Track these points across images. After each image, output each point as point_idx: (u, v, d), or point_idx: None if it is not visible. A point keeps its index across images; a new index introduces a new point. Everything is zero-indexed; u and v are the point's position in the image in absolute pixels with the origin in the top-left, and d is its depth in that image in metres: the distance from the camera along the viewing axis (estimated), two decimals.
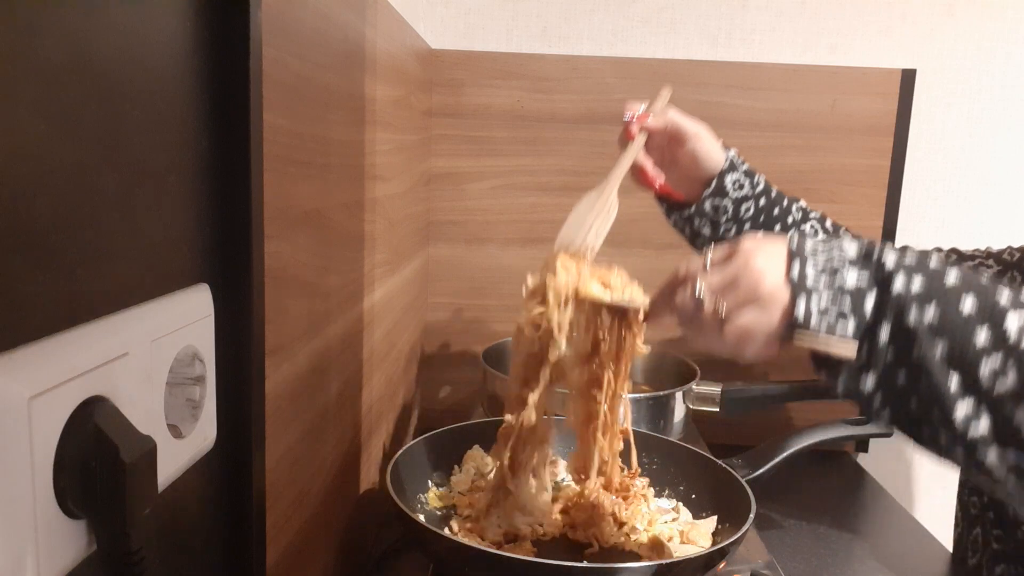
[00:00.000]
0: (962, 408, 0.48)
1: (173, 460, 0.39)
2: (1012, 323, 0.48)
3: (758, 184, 0.86)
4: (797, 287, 0.52)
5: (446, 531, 0.77)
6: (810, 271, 0.52)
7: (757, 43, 1.33)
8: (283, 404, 0.56)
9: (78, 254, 0.31)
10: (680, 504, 0.88)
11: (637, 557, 0.77)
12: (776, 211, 0.87)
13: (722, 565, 0.75)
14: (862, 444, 1.37)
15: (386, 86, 0.89)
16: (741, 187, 0.85)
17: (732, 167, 0.84)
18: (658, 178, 0.83)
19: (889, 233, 1.34)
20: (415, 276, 1.20)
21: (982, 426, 0.48)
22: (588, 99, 1.30)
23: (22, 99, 0.28)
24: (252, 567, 0.48)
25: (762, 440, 1.02)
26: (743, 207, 0.85)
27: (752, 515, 0.73)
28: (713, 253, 0.58)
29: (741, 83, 1.29)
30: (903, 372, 0.50)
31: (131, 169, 0.35)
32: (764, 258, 0.54)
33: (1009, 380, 0.47)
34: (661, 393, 1.08)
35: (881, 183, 1.32)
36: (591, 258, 0.77)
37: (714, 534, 0.80)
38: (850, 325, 0.51)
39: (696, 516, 0.85)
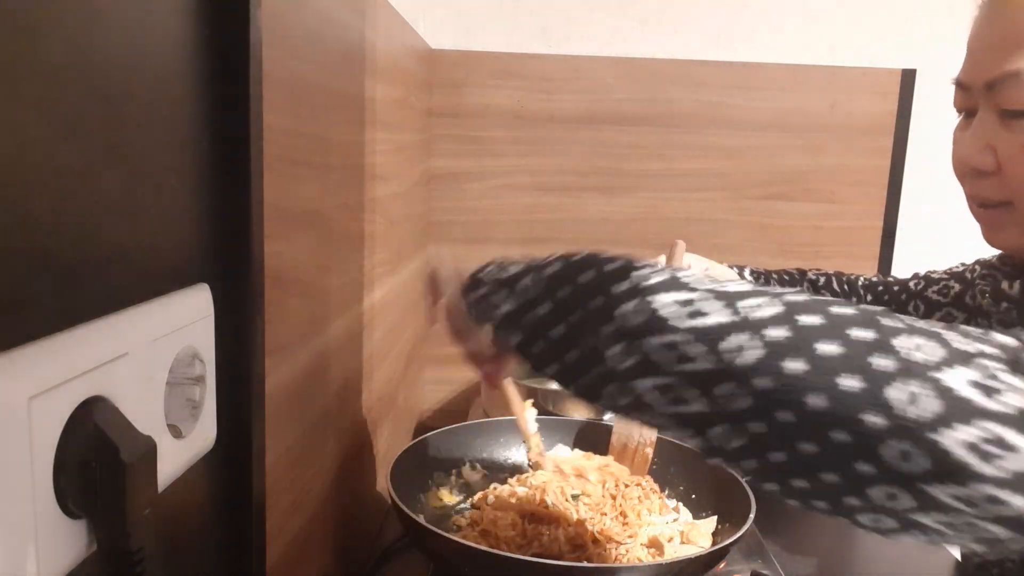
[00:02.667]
0: (614, 349, 0.51)
1: (173, 460, 0.39)
2: (642, 272, 0.51)
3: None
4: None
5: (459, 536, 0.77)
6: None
7: (757, 43, 1.33)
8: (283, 404, 0.56)
9: (78, 254, 0.31)
10: (680, 504, 0.88)
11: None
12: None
13: (722, 565, 0.75)
14: None
15: (386, 86, 0.89)
16: None
17: None
18: None
19: (889, 233, 1.34)
20: (415, 276, 1.20)
21: (630, 360, 0.50)
22: (588, 99, 1.30)
23: (22, 99, 0.28)
24: (252, 567, 0.48)
25: None
26: None
27: (752, 515, 0.73)
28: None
29: (741, 83, 1.29)
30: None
31: (131, 169, 0.35)
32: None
33: (640, 318, 0.49)
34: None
35: (881, 183, 1.32)
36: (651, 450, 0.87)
37: (714, 534, 0.80)
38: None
39: (696, 516, 0.85)
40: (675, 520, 0.84)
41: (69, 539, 0.31)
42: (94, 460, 0.31)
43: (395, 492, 0.74)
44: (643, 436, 0.88)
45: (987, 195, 0.65)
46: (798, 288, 0.92)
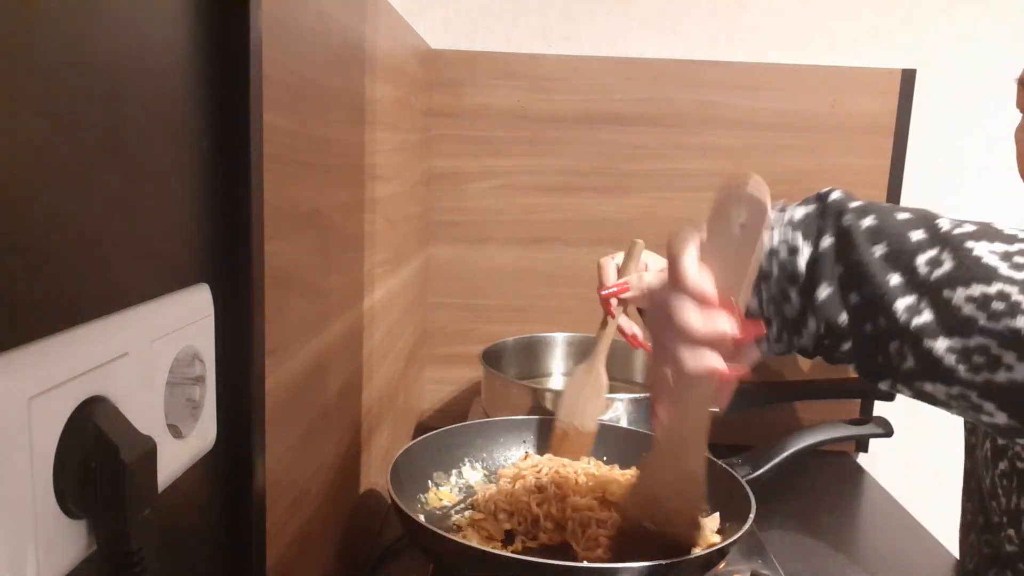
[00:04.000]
0: (903, 302, 0.49)
1: (173, 460, 0.39)
2: (944, 223, 0.52)
3: None
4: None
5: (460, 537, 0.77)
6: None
7: (757, 43, 1.33)
8: (283, 404, 0.56)
9: (78, 254, 0.31)
10: None
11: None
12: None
13: (722, 565, 0.75)
14: (862, 444, 1.37)
15: (386, 86, 0.89)
16: None
17: None
18: (637, 335, 0.87)
19: None
20: (415, 276, 1.20)
21: (924, 316, 0.48)
22: (588, 99, 1.30)
23: (22, 99, 0.28)
24: (252, 567, 0.48)
25: (762, 440, 1.02)
26: None
27: (752, 515, 0.73)
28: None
29: (741, 83, 1.29)
30: (846, 275, 0.52)
31: (131, 169, 0.35)
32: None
33: (944, 267, 0.48)
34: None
35: (881, 183, 1.32)
36: (590, 442, 0.85)
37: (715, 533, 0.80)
38: (802, 247, 0.55)
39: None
40: None
41: (69, 539, 0.31)
42: (94, 460, 0.31)
43: (395, 492, 0.74)
44: (583, 426, 0.88)
45: None
46: None
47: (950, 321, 0.47)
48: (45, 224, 0.29)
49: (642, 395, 1.09)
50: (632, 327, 0.86)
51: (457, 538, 0.72)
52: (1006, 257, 0.47)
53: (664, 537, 0.67)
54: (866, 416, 1.34)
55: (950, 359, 0.47)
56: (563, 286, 1.35)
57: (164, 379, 0.38)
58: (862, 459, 1.36)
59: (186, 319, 0.39)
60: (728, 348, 0.52)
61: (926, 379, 0.49)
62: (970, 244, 0.47)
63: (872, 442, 1.37)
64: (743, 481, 0.79)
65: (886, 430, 1.07)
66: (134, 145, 0.35)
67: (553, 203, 1.33)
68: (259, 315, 0.47)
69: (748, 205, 0.50)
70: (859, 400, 1.36)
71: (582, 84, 1.30)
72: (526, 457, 0.90)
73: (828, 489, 1.22)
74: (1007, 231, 0.50)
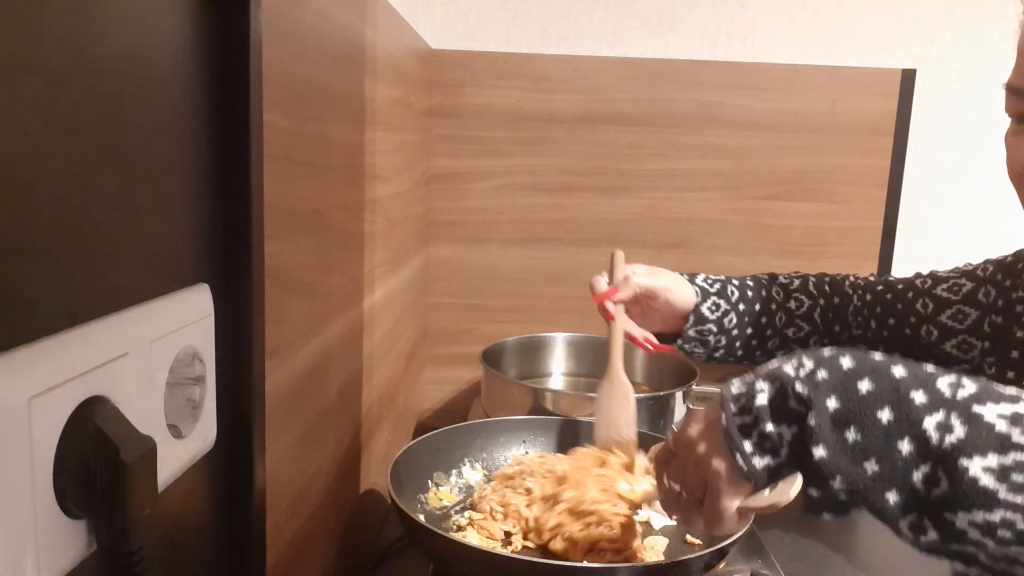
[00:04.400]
0: (905, 522, 0.48)
1: (173, 460, 0.39)
2: (930, 425, 0.47)
3: (732, 295, 0.90)
4: (732, 454, 0.53)
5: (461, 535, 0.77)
6: (735, 423, 0.53)
7: (757, 43, 1.33)
8: (283, 404, 0.56)
9: (78, 254, 0.31)
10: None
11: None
12: (757, 307, 0.90)
13: (722, 565, 0.75)
14: None
15: (386, 86, 0.89)
16: (717, 308, 0.88)
17: (704, 295, 0.87)
18: (649, 339, 0.88)
19: (889, 233, 1.34)
20: (415, 276, 1.21)
21: (930, 536, 0.47)
22: (588, 99, 1.30)
23: (22, 99, 0.28)
24: (252, 567, 0.48)
25: None
26: (725, 320, 0.89)
27: (752, 515, 0.73)
28: (658, 452, 0.62)
29: (741, 83, 1.29)
30: (843, 492, 0.50)
31: (131, 169, 0.35)
32: (701, 441, 0.56)
33: (942, 487, 0.46)
34: (661, 393, 1.08)
35: (881, 183, 1.32)
36: (634, 448, 0.84)
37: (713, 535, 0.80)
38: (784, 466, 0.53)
39: None
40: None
41: (69, 539, 0.31)
42: (94, 460, 0.31)
43: (395, 492, 0.74)
44: (622, 436, 0.88)
45: None
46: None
47: (953, 543, 0.47)
48: (45, 224, 0.29)
49: (642, 395, 1.09)
50: (643, 333, 0.87)
51: (457, 538, 0.73)
52: (1002, 477, 0.44)
53: None
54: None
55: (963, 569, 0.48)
56: (563, 286, 1.35)
57: (164, 379, 0.38)
58: None
59: (186, 319, 0.39)
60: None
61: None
62: (963, 463, 0.45)
63: None
64: None
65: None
66: (134, 145, 0.35)
67: (553, 203, 1.33)
68: (259, 315, 0.47)
69: (780, 501, 0.57)
70: None
71: (582, 84, 1.30)
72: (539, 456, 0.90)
73: None
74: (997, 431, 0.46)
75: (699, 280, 0.89)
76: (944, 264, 0.97)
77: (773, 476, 0.53)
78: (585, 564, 0.71)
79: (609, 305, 0.85)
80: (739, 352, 0.91)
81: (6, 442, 0.27)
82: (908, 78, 1.28)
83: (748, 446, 0.52)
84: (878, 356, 0.51)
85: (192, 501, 0.43)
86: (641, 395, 1.08)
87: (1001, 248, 0.93)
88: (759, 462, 0.52)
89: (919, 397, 0.47)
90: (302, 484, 0.62)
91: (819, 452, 0.48)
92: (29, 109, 0.28)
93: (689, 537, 0.80)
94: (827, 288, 0.92)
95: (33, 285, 0.29)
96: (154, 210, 0.37)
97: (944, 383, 0.48)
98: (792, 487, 0.53)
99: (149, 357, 0.36)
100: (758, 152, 1.32)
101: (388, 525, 0.96)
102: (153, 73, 0.36)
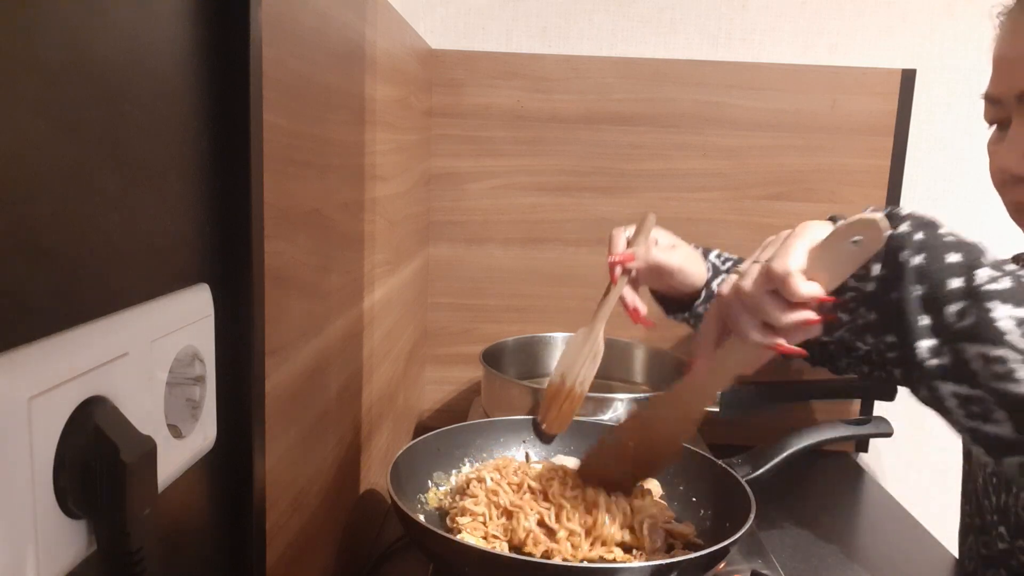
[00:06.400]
0: (925, 343, 0.56)
1: (173, 460, 0.39)
2: (982, 275, 0.55)
3: None
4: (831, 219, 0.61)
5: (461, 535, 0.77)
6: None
7: (757, 43, 1.33)
8: (283, 404, 0.56)
9: (78, 254, 0.31)
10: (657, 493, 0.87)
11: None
12: None
13: (722, 565, 0.75)
14: (862, 444, 1.37)
15: (386, 86, 0.89)
16: None
17: (716, 273, 0.87)
18: (637, 309, 0.87)
19: None
20: (415, 276, 1.21)
21: (939, 360, 0.55)
22: (588, 99, 1.30)
23: (22, 99, 0.28)
24: (252, 567, 0.48)
25: (762, 440, 1.02)
26: None
27: (752, 515, 0.73)
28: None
29: (741, 83, 1.29)
30: (884, 311, 0.58)
31: (131, 169, 0.35)
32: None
33: (966, 321, 0.53)
34: (661, 393, 1.08)
35: (881, 183, 1.32)
36: (579, 404, 0.86)
37: (715, 534, 0.80)
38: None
39: (696, 516, 0.85)
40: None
41: (69, 539, 0.31)
42: (94, 460, 0.31)
43: (395, 492, 0.74)
44: (577, 386, 0.87)
45: None
46: None
47: (959, 370, 0.53)
48: (45, 224, 0.29)
49: (642, 395, 1.09)
50: (635, 301, 0.86)
51: (457, 538, 0.73)
52: (1020, 323, 0.52)
53: (638, 459, 0.79)
54: (866, 416, 1.34)
55: (951, 402, 0.54)
56: (563, 286, 1.35)
57: (164, 379, 0.38)
58: (862, 459, 1.36)
59: (186, 319, 0.39)
60: (797, 333, 0.61)
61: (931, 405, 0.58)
62: (993, 305, 0.53)
63: (872, 442, 1.37)
64: (743, 481, 0.79)
65: (886, 430, 1.07)
66: (134, 145, 0.35)
67: (553, 203, 1.33)
68: (259, 315, 0.47)
69: (869, 229, 0.59)
70: (859, 400, 1.36)
71: (582, 84, 1.30)
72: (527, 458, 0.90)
73: (828, 489, 1.22)
74: None
75: (712, 257, 0.90)
76: None
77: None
78: (585, 564, 0.71)
79: (617, 270, 0.85)
80: None
81: (6, 442, 0.27)
82: (908, 78, 1.28)
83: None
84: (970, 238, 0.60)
85: (192, 501, 0.43)
86: (641, 395, 1.08)
87: (1001, 248, 0.93)
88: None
89: (986, 258, 0.57)
90: (302, 484, 0.62)
91: (903, 226, 0.58)
92: (29, 109, 0.28)
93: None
94: None
95: (33, 285, 0.29)
96: (154, 210, 0.37)
97: (1011, 266, 0.57)
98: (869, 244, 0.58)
99: (149, 357, 0.36)
100: (758, 152, 1.32)
101: (388, 525, 0.96)
102: (153, 73, 0.36)
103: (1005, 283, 0.53)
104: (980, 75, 1.33)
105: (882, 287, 0.59)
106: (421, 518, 0.73)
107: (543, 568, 0.66)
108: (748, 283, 0.61)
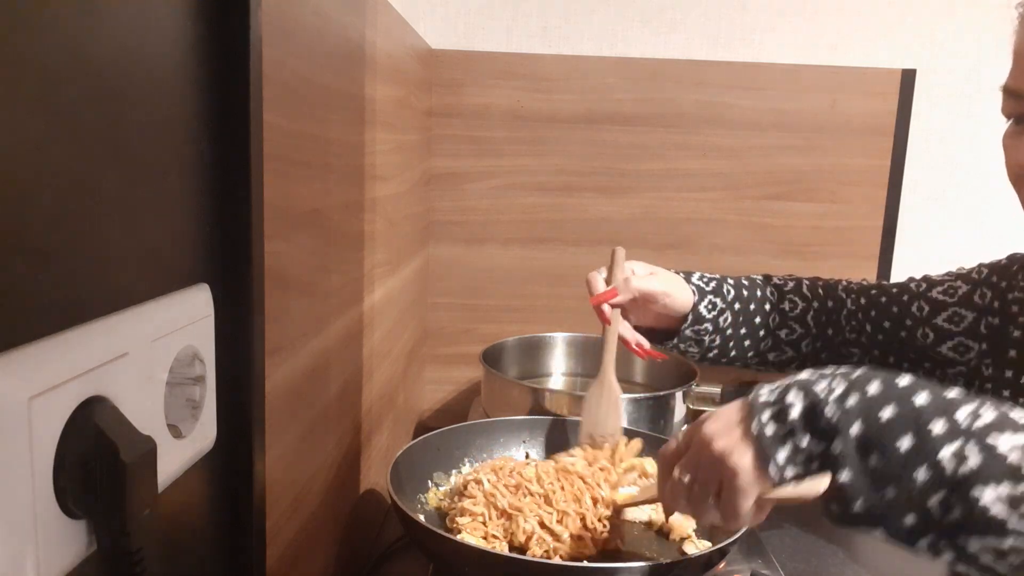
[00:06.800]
0: (923, 543, 0.51)
1: (173, 460, 0.39)
2: (946, 455, 0.49)
3: (728, 293, 0.89)
4: (759, 449, 0.54)
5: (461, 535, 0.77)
6: (768, 431, 0.54)
7: (757, 43, 1.33)
8: (283, 404, 0.56)
9: (78, 254, 0.31)
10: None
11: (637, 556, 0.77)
12: (752, 306, 0.90)
13: (722, 565, 0.75)
14: None
15: (386, 86, 0.89)
16: (714, 307, 0.88)
17: (701, 294, 0.87)
18: (641, 344, 0.87)
19: (889, 233, 1.34)
20: (415, 276, 1.21)
21: (945, 556, 0.50)
22: (588, 99, 1.30)
23: (22, 99, 0.28)
24: (252, 567, 0.48)
25: None
26: (721, 319, 0.88)
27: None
28: (672, 444, 0.62)
29: (741, 83, 1.29)
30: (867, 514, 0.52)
31: (131, 169, 0.35)
32: (720, 438, 0.56)
33: (956, 514, 0.48)
34: (661, 393, 1.08)
35: (881, 183, 1.32)
36: (621, 447, 0.86)
37: (714, 534, 0.80)
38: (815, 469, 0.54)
39: None
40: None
41: (69, 539, 0.31)
42: (94, 460, 0.31)
43: (395, 492, 0.74)
44: (610, 433, 0.88)
45: None
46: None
47: (969, 560, 0.49)
48: (45, 224, 0.29)
49: (642, 395, 1.09)
50: (636, 337, 0.86)
51: (457, 538, 0.73)
52: (1013, 505, 0.47)
53: None
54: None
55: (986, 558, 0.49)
56: (563, 286, 1.35)
57: (164, 379, 0.38)
58: None
59: (186, 319, 0.39)
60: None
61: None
62: (975, 492, 0.47)
63: None
64: None
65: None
66: (134, 145, 0.35)
67: (553, 203, 1.33)
68: (259, 315, 0.47)
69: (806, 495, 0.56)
70: None
71: (582, 84, 1.30)
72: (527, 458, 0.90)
73: None
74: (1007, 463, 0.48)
75: (695, 279, 0.89)
76: (944, 264, 0.97)
77: (799, 480, 0.54)
78: (585, 564, 0.71)
79: (606, 308, 0.85)
80: (732, 353, 0.90)
81: (6, 442, 0.27)
82: (908, 78, 1.29)
83: (782, 455, 0.53)
84: (904, 381, 0.53)
85: (192, 501, 0.43)
86: (641, 395, 1.08)
87: (1001, 247, 0.93)
88: (790, 471, 0.54)
89: (938, 427, 0.50)
90: (302, 484, 0.62)
91: (844, 476, 0.51)
92: (29, 109, 0.28)
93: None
94: (820, 291, 0.91)
95: (33, 285, 0.29)
96: (154, 210, 0.37)
97: (963, 413, 0.50)
98: (821, 482, 0.54)
99: (149, 357, 0.36)
100: (758, 152, 1.32)
101: (388, 525, 0.96)
102: (153, 73, 0.36)
103: (973, 459, 0.48)
104: (980, 75, 1.34)
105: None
106: (421, 518, 0.73)
107: (543, 568, 0.66)
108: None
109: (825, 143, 1.31)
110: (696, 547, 0.79)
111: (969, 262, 0.89)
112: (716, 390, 1.13)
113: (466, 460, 0.92)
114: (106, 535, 0.32)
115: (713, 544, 0.77)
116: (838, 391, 0.53)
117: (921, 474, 0.49)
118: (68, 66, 0.30)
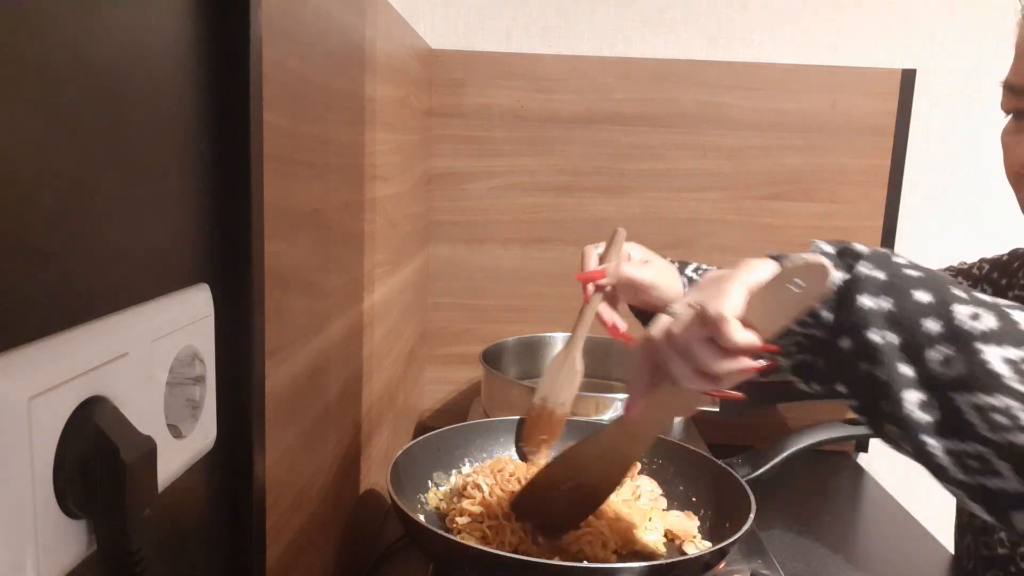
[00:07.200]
0: (911, 395, 0.50)
1: (173, 460, 0.39)
2: (961, 313, 0.49)
3: None
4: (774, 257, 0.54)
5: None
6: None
7: (757, 43, 1.33)
8: (283, 404, 0.56)
9: (78, 254, 0.31)
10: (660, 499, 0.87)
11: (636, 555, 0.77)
12: None
13: (722, 565, 0.75)
14: (862, 444, 1.37)
15: (386, 86, 0.89)
16: None
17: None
18: (616, 325, 0.86)
19: (889, 233, 1.34)
20: (415, 276, 1.21)
21: (927, 415, 0.49)
22: (588, 99, 1.30)
23: (22, 99, 0.28)
24: (252, 567, 0.48)
25: (762, 440, 1.02)
26: None
27: (752, 515, 0.73)
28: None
29: (741, 83, 1.29)
30: (860, 357, 0.51)
31: (131, 169, 0.35)
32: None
33: (954, 370, 0.47)
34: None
35: (881, 183, 1.32)
36: (562, 424, 0.88)
37: (715, 534, 0.80)
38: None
39: (697, 515, 0.85)
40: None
41: (69, 539, 0.31)
42: (94, 460, 0.31)
43: (395, 492, 0.74)
44: (557, 408, 0.88)
45: None
46: None
47: (951, 423, 0.48)
48: (45, 224, 0.29)
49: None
50: (613, 318, 0.85)
51: (457, 538, 0.73)
52: (1016, 367, 0.46)
53: (573, 500, 0.75)
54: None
55: (945, 459, 0.49)
56: (563, 286, 1.35)
57: (164, 379, 0.38)
58: (862, 459, 1.36)
59: (186, 319, 0.39)
60: (733, 379, 0.55)
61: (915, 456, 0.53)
62: (981, 347, 0.47)
63: (872, 442, 1.37)
64: (743, 481, 0.79)
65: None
66: (134, 145, 0.35)
67: (553, 203, 1.33)
68: (259, 315, 0.47)
69: (814, 273, 0.52)
70: None
71: (582, 84, 1.30)
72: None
73: (828, 489, 1.22)
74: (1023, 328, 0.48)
75: (689, 271, 0.88)
76: (943, 264, 0.97)
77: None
78: (585, 564, 0.71)
79: (589, 287, 0.84)
80: None
81: (6, 442, 0.27)
82: (908, 78, 1.28)
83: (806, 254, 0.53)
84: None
85: (192, 501, 0.43)
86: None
87: (1001, 248, 0.93)
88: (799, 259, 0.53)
89: (958, 291, 0.50)
90: (302, 484, 0.62)
91: (864, 301, 0.50)
92: (29, 109, 0.28)
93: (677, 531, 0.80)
94: None
95: (33, 285, 0.29)
96: (154, 210, 0.37)
97: (984, 295, 0.51)
98: (814, 279, 0.52)
99: (149, 357, 0.36)
100: (758, 152, 1.32)
101: (388, 525, 0.96)
102: (153, 73, 0.36)
103: (989, 321, 0.48)
104: (980, 75, 1.33)
105: (834, 333, 0.53)
106: (421, 518, 0.73)
107: (543, 568, 0.66)
108: (679, 328, 0.55)
109: (825, 143, 1.31)
110: (696, 547, 0.79)
111: (964, 261, 0.89)
112: None
113: (466, 460, 0.92)
114: (106, 535, 0.32)
115: (713, 544, 0.77)
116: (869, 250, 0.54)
117: (931, 324, 0.48)
118: (68, 66, 0.30)
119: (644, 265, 0.84)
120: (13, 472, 0.28)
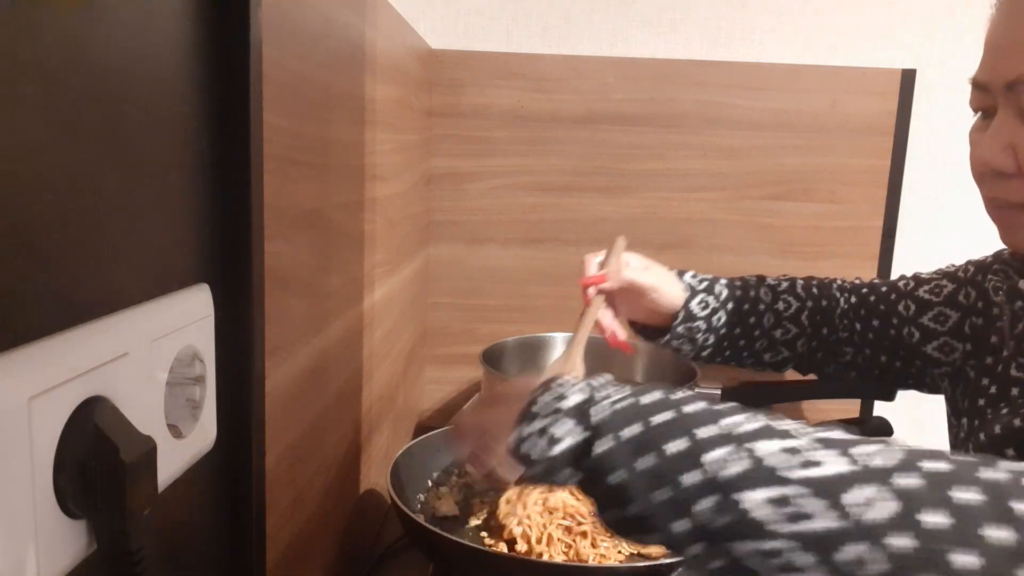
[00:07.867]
0: (695, 549, 0.48)
1: (173, 460, 0.39)
2: (711, 459, 0.47)
3: (721, 293, 0.89)
4: (522, 424, 0.52)
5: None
6: (535, 425, 0.52)
7: (757, 43, 1.33)
8: (283, 404, 0.56)
9: (78, 254, 0.31)
10: None
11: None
12: (746, 307, 0.90)
13: None
14: None
15: (386, 86, 0.89)
16: (706, 305, 0.88)
17: (693, 292, 0.87)
18: (614, 333, 0.86)
19: (889, 233, 1.34)
20: (415, 276, 1.21)
21: (716, 564, 0.47)
22: (588, 99, 1.30)
23: (22, 99, 0.28)
24: (252, 567, 0.48)
25: None
26: (714, 319, 0.88)
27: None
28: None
29: (741, 83, 1.29)
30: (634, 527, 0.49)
31: (131, 169, 0.35)
32: (503, 405, 0.56)
33: (725, 519, 0.46)
34: None
35: (881, 183, 1.32)
36: None
37: None
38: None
39: None
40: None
41: (69, 539, 0.31)
42: (94, 460, 0.31)
43: (395, 492, 0.74)
44: None
45: (1006, 196, 0.63)
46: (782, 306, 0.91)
47: (739, 568, 0.47)
48: (45, 224, 0.29)
49: None
50: (612, 325, 0.86)
51: (457, 538, 0.73)
52: (776, 507, 0.45)
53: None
54: (866, 416, 1.34)
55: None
56: (563, 286, 1.35)
57: (164, 379, 0.38)
58: None
59: (186, 319, 0.39)
60: None
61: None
62: (739, 497, 0.45)
63: None
64: None
65: (886, 430, 1.07)
66: (134, 145, 0.35)
67: (553, 203, 1.33)
68: (259, 315, 0.47)
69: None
70: (859, 400, 1.36)
71: (582, 84, 1.30)
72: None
73: None
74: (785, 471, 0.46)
75: (687, 277, 0.89)
76: (943, 264, 0.97)
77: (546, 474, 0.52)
78: (585, 564, 0.71)
79: (590, 291, 0.85)
80: (727, 352, 0.91)
81: (6, 442, 0.27)
82: (908, 78, 1.28)
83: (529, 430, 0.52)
84: (678, 394, 0.51)
85: (192, 501, 0.43)
86: None
87: (1001, 248, 0.93)
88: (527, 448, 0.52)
89: (706, 432, 0.48)
90: (302, 484, 0.62)
91: (616, 477, 0.48)
92: (29, 109, 0.28)
93: None
94: (815, 291, 0.91)
95: (33, 285, 0.29)
96: (154, 210, 0.37)
97: (729, 421, 0.48)
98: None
99: (149, 357, 0.36)
100: (758, 152, 1.32)
101: (388, 525, 0.96)
102: (153, 73, 0.36)
103: (739, 463, 0.46)
104: None
105: (601, 507, 0.50)
106: (421, 518, 0.73)
107: (543, 568, 0.66)
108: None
109: (825, 143, 1.31)
110: None
111: (952, 263, 0.89)
112: (716, 390, 1.13)
113: (466, 460, 0.91)
114: (106, 535, 0.32)
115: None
116: (615, 396, 0.51)
117: (689, 478, 0.47)
118: (68, 66, 0.30)
119: (645, 271, 0.86)
120: (13, 472, 0.28)
